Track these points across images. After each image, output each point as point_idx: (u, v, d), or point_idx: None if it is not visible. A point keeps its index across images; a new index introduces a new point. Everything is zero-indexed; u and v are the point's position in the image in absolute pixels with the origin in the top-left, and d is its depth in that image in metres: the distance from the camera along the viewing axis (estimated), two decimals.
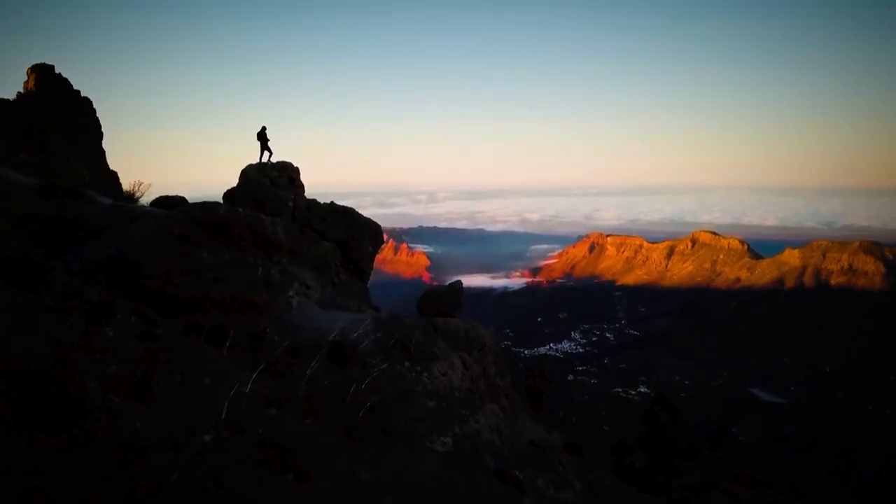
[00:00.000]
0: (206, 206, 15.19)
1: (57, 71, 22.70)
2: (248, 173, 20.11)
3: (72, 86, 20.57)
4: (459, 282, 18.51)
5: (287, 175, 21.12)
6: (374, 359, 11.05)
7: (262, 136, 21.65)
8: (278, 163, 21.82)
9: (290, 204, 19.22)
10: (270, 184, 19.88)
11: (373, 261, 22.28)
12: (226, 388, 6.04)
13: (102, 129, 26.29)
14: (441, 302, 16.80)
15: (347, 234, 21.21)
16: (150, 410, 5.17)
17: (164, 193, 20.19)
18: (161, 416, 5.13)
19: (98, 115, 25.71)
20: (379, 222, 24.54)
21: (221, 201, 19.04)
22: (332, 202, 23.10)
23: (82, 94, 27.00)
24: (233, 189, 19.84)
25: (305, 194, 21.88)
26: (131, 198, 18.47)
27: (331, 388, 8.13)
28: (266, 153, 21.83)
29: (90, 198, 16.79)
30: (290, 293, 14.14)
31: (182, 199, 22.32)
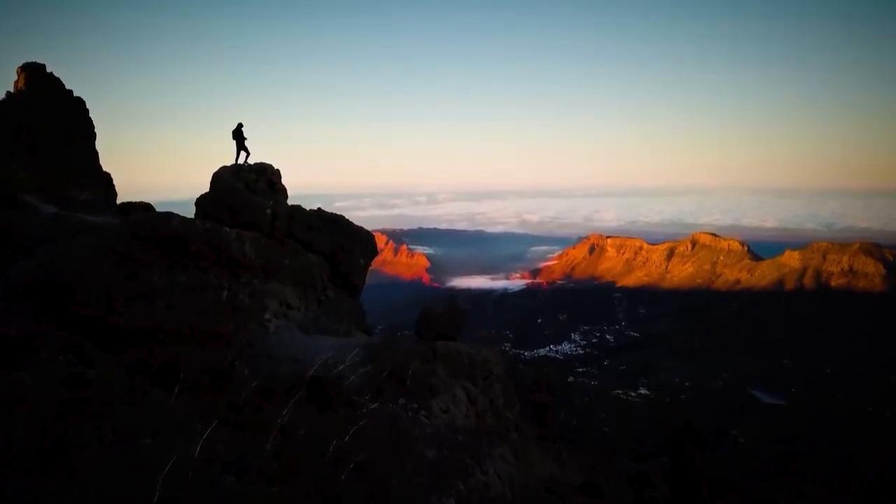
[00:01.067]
0: (155, 219, 12.86)
1: (49, 70, 22.21)
2: (221, 176, 17.69)
3: (64, 85, 20.13)
4: (460, 302, 17.08)
5: (266, 178, 18.89)
6: (362, 396, 9.31)
7: (238, 135, 19.36)
8: (256, 164, 19.45)
9: (269, 212, 16.95)
10: (246, 188, 17.61)
11: (365, 274, 20.33)
12: (170, 449, 4.82)
13: (96, 130, 25.62)
14: (441, 323, 15.22)
15: (336, 244, 19.31)
16: (63, 490, 3.94)
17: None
18: (76, 498, 3.93)
19: (92, 115, 25.13)
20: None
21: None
22: (318, 209, 20.78)
23: (77, 94, 26.41)
24: (205, 195, 17.50)
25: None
26: (109, 202, 16.70)
27: (308, 439, 6.77)
28: (243, 154, 19.58)
29: (30, 206, 14.88)
30: (267, 316, 12.42)
31: (147, 206, 20.36)
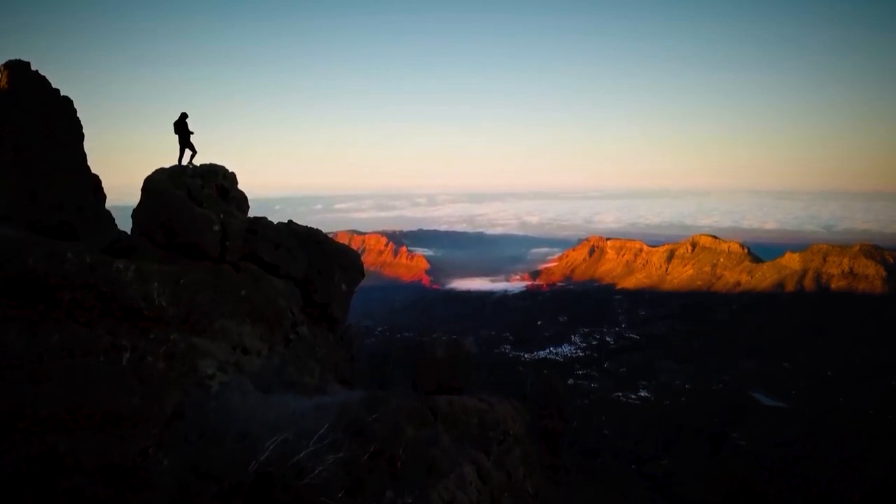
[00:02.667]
0: (3, 252, 8.88)
1: (34, 68, 21.69)
2: (154, 182, 13.81)
3: (50, 84, 19.54)
4: (467, 343, 14.29)
5: (215, 184, 15.11)
6: (333, 496, 6.86)
7: (182, 128, 15.59)
8: (204, 166, 15.71)
9: (217, 228, 13.14)
10: (188, 198, 13.77)
11: (348, 304, 16.65)
12: None
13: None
14: (443, 371, 12.52)
15: (312, 266, 15.58)
16: None
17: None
18: None
19: (80, 115, 24.20)
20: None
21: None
22: (289, 221, 17.16)
23: (71, 94, 25.85)
24: (138, 206, 13.99)
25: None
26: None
27: None
28: (188, 152, 15.85)
29: None
30: (210, 371, 9.26)
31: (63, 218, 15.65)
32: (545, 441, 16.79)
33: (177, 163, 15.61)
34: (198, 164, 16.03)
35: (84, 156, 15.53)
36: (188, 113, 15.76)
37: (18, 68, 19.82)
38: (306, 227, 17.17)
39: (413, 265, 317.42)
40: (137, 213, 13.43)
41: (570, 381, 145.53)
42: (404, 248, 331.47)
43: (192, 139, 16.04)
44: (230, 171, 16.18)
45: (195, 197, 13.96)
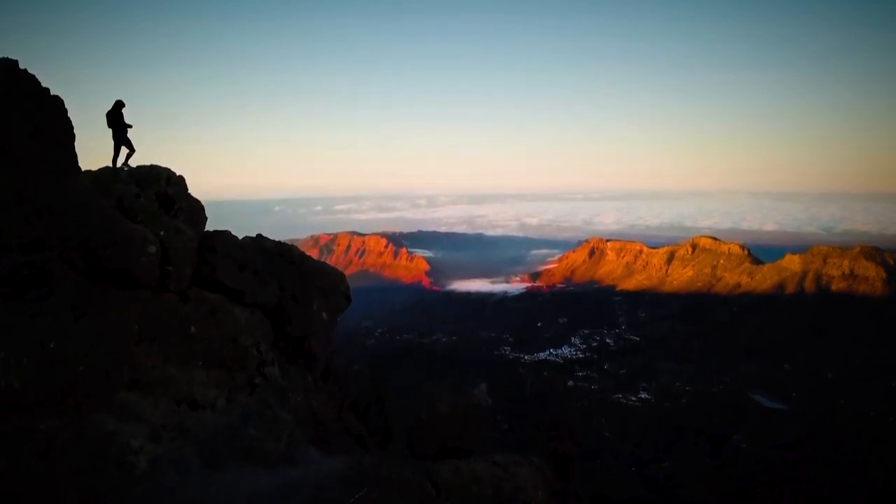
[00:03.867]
0: None
1: (22, 67, 21.41)
2: (73, 189, 10.70)
3: (40, 83, 19.29)
4: (479, 393, 10.59)
5: (156, 191, 12.05)
6: None
7: (116, 120, 12.67)
8: (142, 169, 12.73)
9: (153, 249, 9.94)
10: (118, 209, 10.84)
11: (330, 336, 14.13)
12: None
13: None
14: (446, 431, 10.40)
15: (286, 291, 12.72)
16: None
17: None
18: None
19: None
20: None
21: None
22: (258, 236, 14.22)
23: (69, 94, 25.43)
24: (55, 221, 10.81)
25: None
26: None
27: None
28: (124, 151, 12.93)
29: None
30: (135, 443, 7.01)
31: None
32: (555, 465, 15.10)
33: (110, 164, 12.88)
34: (135, 166, 12.97)
35: (75, 157, 15.17)
36: (123, 101, 12.83)
37: (5, 67, 19.51)
38: (278, 242, 14.00)
39: (413, 266, 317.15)
40: (51, 229, 9.72)
41: (570, 383, 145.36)
42: (404, 250, 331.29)
43: (131, 134, 13.01)
44: (177, 174, 13.09)
45: (127, 208, 10.92)
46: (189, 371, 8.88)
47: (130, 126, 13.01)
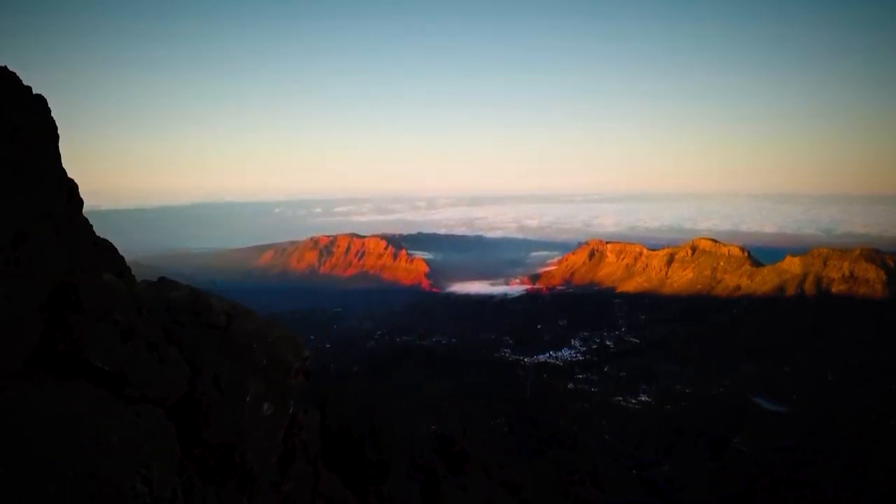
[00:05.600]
0: None
1: (2, 65, 20.79)
2: None
3: (21, 81, 18.85)
4: None
5: None
6: None
7: None
8: None
9: None
10: None
11: (277, 439, 9.00)
12: None
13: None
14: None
15: (204, 373, 7.69)
16: None
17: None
18: None
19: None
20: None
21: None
22: (160, 279, 9.07)
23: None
24: None
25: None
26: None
27: None
28: None
29: None
30: None
31: None
32: None
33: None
34: None
35: (58, 158, 14.48)
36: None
37: None
38: (189, 288, 8.66)
39: (412, 268, 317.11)
40: None
41: (570, 385, 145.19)
42: (404, 252, 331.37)
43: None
44: None
45: None
46: None
47: None
